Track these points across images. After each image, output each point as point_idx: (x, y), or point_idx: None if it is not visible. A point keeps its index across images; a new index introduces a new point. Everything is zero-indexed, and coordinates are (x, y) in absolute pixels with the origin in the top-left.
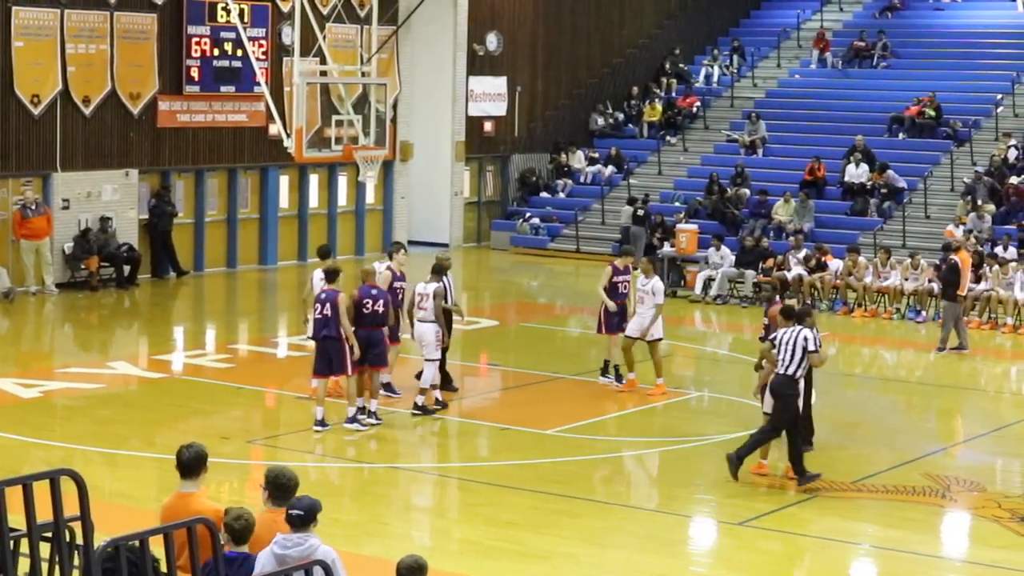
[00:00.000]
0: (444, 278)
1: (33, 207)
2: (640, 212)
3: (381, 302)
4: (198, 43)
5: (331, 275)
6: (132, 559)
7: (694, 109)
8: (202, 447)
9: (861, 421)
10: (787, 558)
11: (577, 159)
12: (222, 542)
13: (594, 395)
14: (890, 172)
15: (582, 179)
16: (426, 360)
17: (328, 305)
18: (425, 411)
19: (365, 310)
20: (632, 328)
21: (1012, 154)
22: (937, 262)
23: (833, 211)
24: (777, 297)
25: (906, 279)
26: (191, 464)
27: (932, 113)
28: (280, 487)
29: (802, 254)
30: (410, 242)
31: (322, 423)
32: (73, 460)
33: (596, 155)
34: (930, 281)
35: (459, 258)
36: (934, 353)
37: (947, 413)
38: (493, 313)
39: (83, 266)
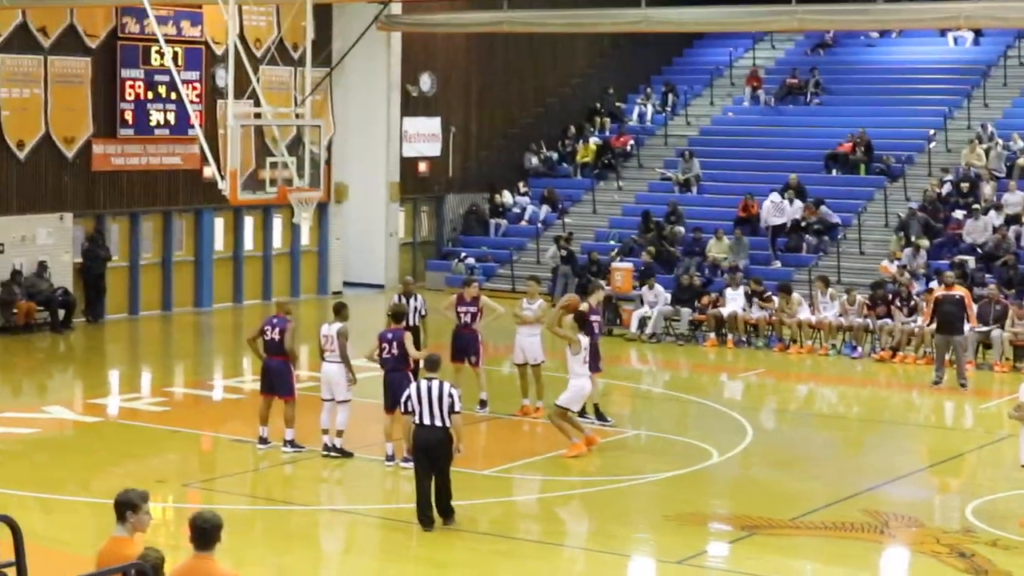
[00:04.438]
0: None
1: None
2: (564, 252)
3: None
4: (132, 86)
5: (397, 316)
6: None
7: (628, 148)
8: (129, 492)
9: (798, 458)
10: None
11: (505, 196)
12: None
13: (530, 435)
14: (824, 208)
15: (519, 218)
16: (339, 402)
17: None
18: (343, 453)
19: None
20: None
21: (946, 189)
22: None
23: (767, 248)
24: None
25: (841, 315)
26: (115, 508)
27: (863, 157)
28: (196, 529)
29: (740, 291)
30: (345, 283)
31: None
32: (8, 506)
33: (527, 190)
34: (865, 317)
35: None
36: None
37: (885, 448)
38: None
39: (13, 311)
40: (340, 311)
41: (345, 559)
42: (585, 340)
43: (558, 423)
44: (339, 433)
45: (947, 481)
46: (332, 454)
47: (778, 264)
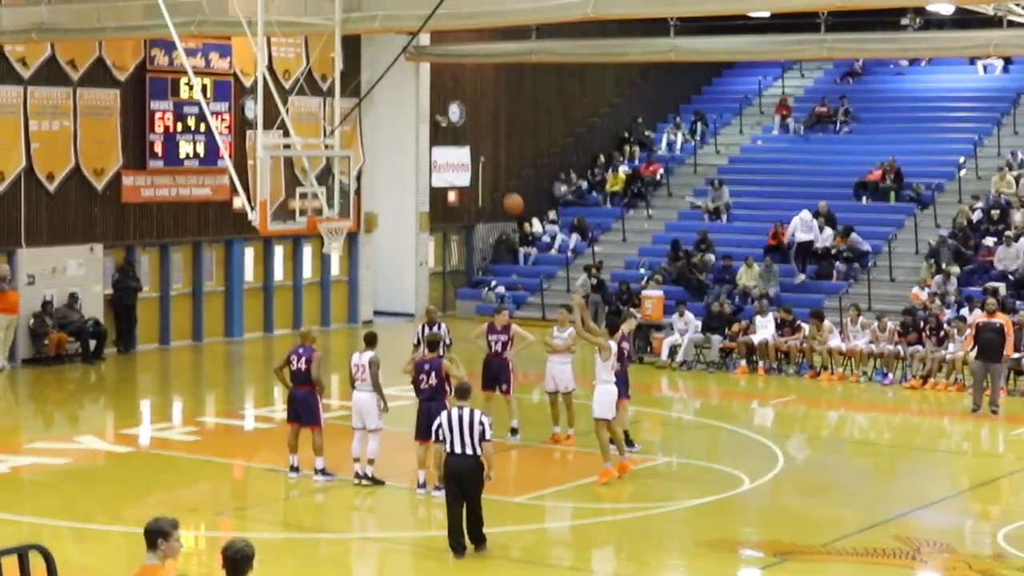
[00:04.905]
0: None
1: (8, 281)
2: (594, 281)
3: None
4: (161, 118)
5: (433, 345)
6: None
7: (657, 176)
8: (159, 520)
9: (829, 484)
10: None
11: (535, 225)
12: None
13: (561, 462)
14: (854, 236)
15: (549, 247)
16: (370, 431)
17: None
18: (375, 481)
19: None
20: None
21: (976, 216)
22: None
23: (793, 263)
24: None
25: (872, 342)
26: (146, 536)
27: (892, 185)
28: (228, 559)
29: (769, 318)
30: (375, 313)
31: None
32: (41, 535)
33: (555, 218)
34: (896, 344)
35: None
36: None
37: (916, 475)
38: None
39: (45, 342)
40: (371, 341)
41: None
42: (614, 346)
43: (603, 438)
44: (370, 461)
45: (979, 507)
46: (363, 482)
47: (802, 277)
